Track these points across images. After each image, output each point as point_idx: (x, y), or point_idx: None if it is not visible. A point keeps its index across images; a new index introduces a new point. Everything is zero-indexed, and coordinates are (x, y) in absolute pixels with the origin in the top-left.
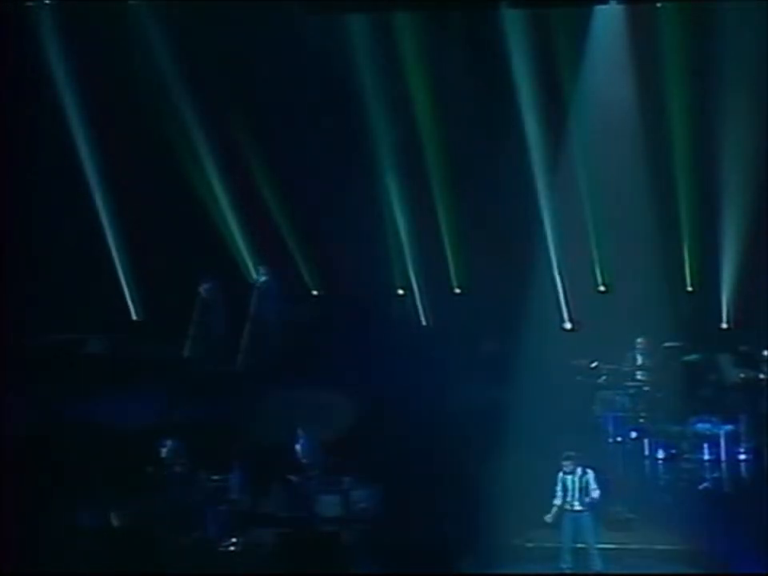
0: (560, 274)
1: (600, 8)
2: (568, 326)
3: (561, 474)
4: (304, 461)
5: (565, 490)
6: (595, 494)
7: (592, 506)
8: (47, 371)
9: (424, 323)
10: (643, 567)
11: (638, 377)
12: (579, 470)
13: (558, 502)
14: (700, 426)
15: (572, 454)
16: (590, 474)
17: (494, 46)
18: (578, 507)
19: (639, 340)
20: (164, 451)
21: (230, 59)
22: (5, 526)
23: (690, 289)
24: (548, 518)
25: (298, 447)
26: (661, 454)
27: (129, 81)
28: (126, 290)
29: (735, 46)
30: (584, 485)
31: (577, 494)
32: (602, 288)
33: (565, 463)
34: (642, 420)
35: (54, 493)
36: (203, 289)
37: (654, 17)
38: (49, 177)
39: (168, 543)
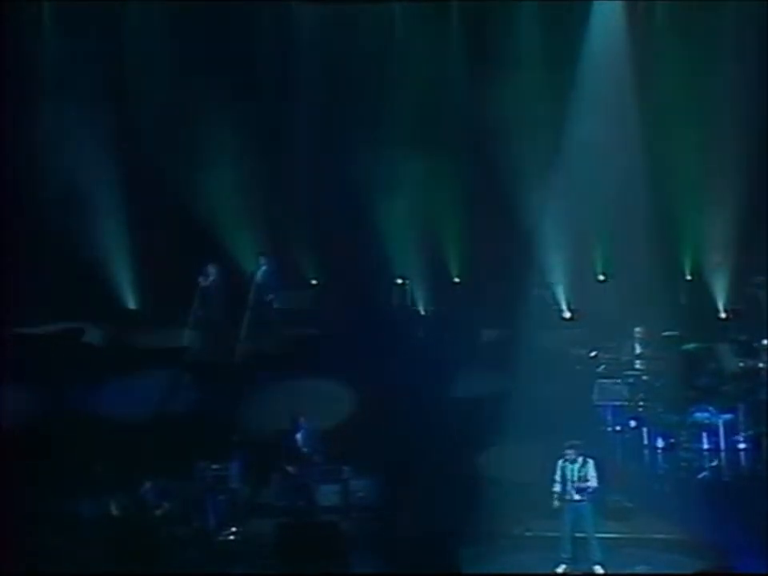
0: (559, 263)
1: (599, 3)
2: (567, 315)
3: (561, 462)
4: (304, 450)
5: (564, 479)
6: (593, 483)
7: (591, 496)
8: (45, 361)
9: (423, 312)
10: (642, 556)
11: (637, 366)
12: (580, 459)
13: (557, 489)
14: (699, 415)
15: (576, 442)
16: (590, 464)
17: (493, 39)
18: (577, 497)
19: (638, 329)
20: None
21: (229, 48)
22: (4, 516)
23: (688, 278)
24: (555, 504)
25: (298, 437)
26: (660, 443)
27: (128, 71)
28: (124, 279)
29: (732, 40)
30: (584, 474)
31: (576, 484)
32: (601, 277)
33: (568, 452)
34: (640, 409)
35: (53, 482)
36: (203, 278)
37: (652, 12)
38: (47, 168)
39: (168, 532)
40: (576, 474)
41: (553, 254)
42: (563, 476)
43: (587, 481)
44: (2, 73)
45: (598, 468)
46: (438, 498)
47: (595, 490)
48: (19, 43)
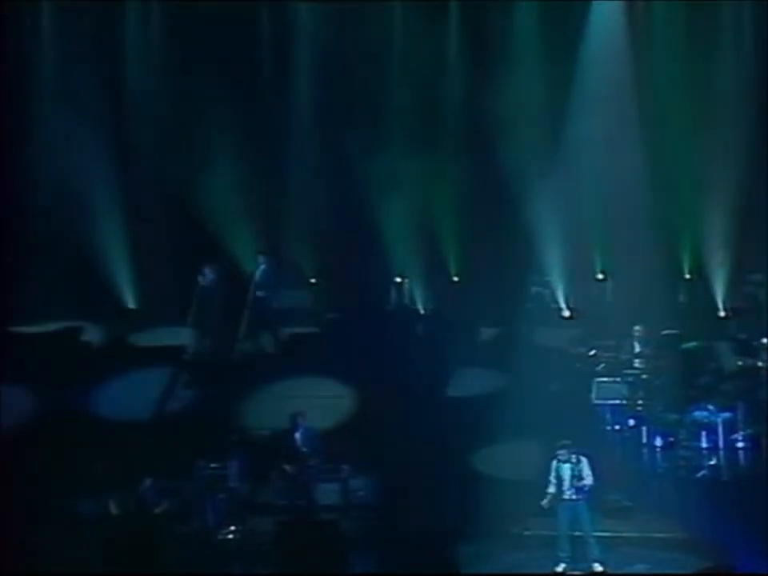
0: (558, 261)
1: (598, 3)
2: (566, 313)
3: (555, 463)
4: (303, 449)
5: (559, 478)
6: (589, 480)
7: (587, 494)
8: (45, 360)
9: (422, 311)
10: (642, 555)
11: (636, 365)
12: (573, 458)
13: (551, 490)
14: (698, 413)
15: (567, 442)
16: (584, 462)
17: (493, 38)
18: (573, 496)
19: (637, 328)
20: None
21: (228, 47)
22: (4, 516)
23: (687, 276)
24: (544, 503)
25: (297, 436)
26: (659, 442)
27: (126, 70)
28: (124, 278)
29: (732, 40)
30: (578, 473)
31: (572, 483)
32: (600, 276)
33: (560, 452)
34: (639, 408)
35: (53, 482)
36: (202, 277)
37: (652, 12)
38: (46, 168)
39: (167, 531)
40: (570, 473)
41: (552, 252)
42: (558, 476)
43: (582, 479)
44: (2, 73)
45: (595, 466)
46: (438, 496)
47: (591, 487)
48: (19, 43)
